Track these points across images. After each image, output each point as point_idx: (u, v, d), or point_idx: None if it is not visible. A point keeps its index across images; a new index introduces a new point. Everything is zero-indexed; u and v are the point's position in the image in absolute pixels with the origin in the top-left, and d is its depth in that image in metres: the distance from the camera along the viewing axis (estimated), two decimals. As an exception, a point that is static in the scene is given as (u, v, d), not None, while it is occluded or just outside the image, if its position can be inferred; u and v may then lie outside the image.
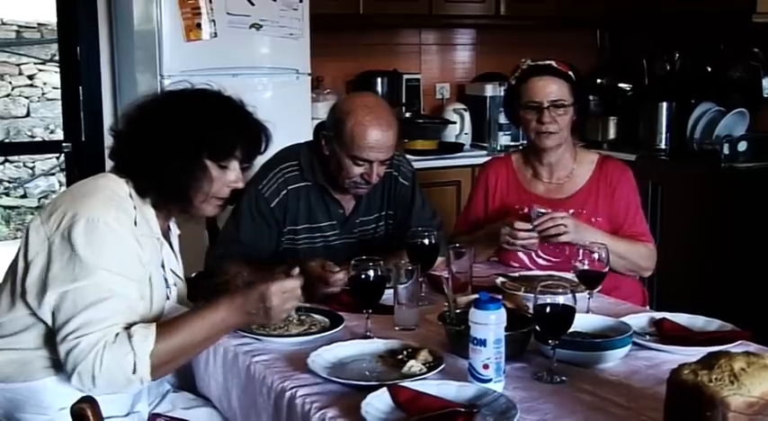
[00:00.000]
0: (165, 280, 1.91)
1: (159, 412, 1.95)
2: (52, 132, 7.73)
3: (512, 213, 2.54)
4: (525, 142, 2.84)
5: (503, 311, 1.62)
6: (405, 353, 1.76)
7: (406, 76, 4.65)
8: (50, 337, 1.74)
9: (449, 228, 2.74)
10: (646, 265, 2.53)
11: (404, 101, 4.61)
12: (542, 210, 2.36)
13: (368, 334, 1.92)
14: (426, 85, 4.81)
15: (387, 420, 1.49)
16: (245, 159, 1.91)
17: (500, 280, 2.28)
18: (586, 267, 2.05)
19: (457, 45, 5.04)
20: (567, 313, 1.66)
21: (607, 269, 2.07)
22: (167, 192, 1.85)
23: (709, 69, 4.47)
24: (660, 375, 1.62)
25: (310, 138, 2.53)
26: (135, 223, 1.80)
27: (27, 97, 7.81)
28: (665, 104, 4.52)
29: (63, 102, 4.17)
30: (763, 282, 3.63)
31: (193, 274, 2.21)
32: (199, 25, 3.57)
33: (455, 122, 4.61)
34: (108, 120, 3.95)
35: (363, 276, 1.93)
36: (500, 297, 1.72)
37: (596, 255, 2.05)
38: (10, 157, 7.61)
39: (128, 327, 1.68)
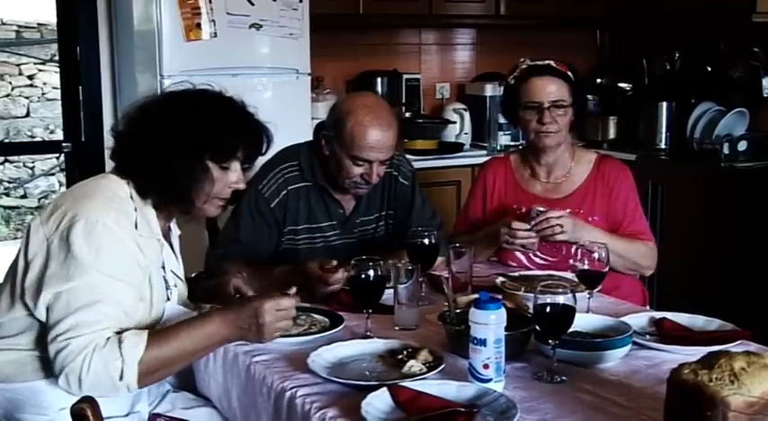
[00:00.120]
0: (166, 281, 1.91)
1: (159, 412, 1.95)
2: (52, 132, 7.73)
3: (510, 213, 2.54)
4: (524, 142, 2.84)
5: (503, 311, 1.62)
6: (405, 353, 1.77)
7: (405, 76, 4.65)
8: None
9: (449, 228, 2.74)
10: (646, 264, 2.53)
11: (404, 101, 4.61)
12: (541, 209, 2.36)
13: (368, 334, 1.92)
14: (426, 85, 4.81)
15: (387, 420, 1.49)
16: (246, 160, 1.91)
17: (500, 280, 2.28)
18: (586, 267, 2.05)
19: (457, 45, 5.04)
20: (567, 313, 1.66)
21: (607, 269, 2.07)
22: (168, 193, 1.85)
23: (709, 69, 4.47)
24: (660, 375, 1.62)
25: (310, 138, 2.53)
26: (135, 225, 1.80)
27: (27, 97, 7.81)
28: (665, 104, 4.52)
29: (63, 102, 4.17)
30: (763, 282, 3.63)
31: (193, 274, 2.21)
32: (199, 25, 3.57)
33: (455, 122, 4.61)
34: (108, 120, 3.95)
35: (363, 276, 1.93)
36: (500, 297, 1.72)
37: (596, 255, 2.05)
38: (10, 157, 7.61)
39: (120, 332, 1.68)
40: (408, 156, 2.73)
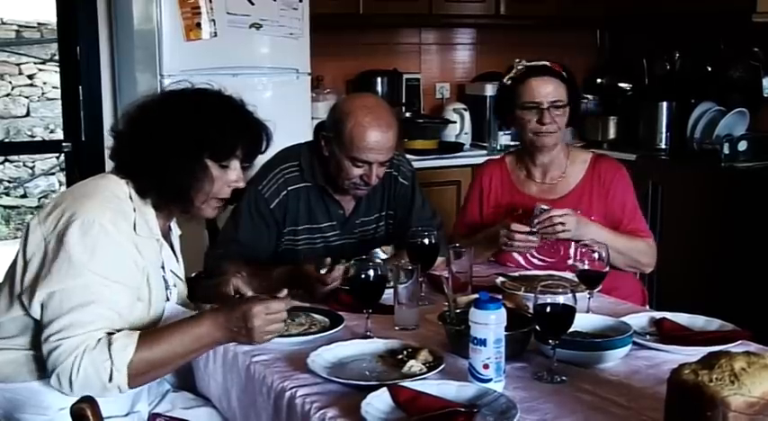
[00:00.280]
0: (165, 281, 1.91)
1: (159, 412, 1.95)
2: (52, 132, 7.73)
3: (508, 215, 2.54)
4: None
5: (503, 311, 1.62)
6: (405, 352, 1.76)
7: (406, 76, 4.65)
8: None
9: (449, 228, 2.74)
10: (646, 261, 2.54)
11: (404, 100, 4.61)
12: (544, 207, 2.36)
13: (368, 334, 1.92)
14: (426, 85, 4.82)
15: (387, 420, 1.48)
16: (245, 159, 1.90)
17: (500, 280, 2.28)
18: (586, 267, 2.05)
19: (457, 45, 5.04)
20: (568, 313, 1.66)
21: (607, 269, 2.07)
22: (168, 193, 1.85)
23: (709, 69, 4.47)
24: (660, 375, 1.62)
25: (310, 137, 2.53)
26: (134, 225, 1.79)
27: (27, 97, 7.81)
28: (665, 104, 4.52)
29: (63, 101, 4.17)
30: (763, 282, 3.63)
31: (193, 274, 2.21)
32: (199, 25, 3.57)
33: (455, 122, 4.61)
34: (108, 119, 3.95)
35: (363, 276, 1.93)
36: (500, 297, 1.72)
37: (596, 255, 2.05)
38: (10, 157, 7.61)
39: (111, 333, 1.67)
40: (408, 156, 2.73)
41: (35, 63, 7.85)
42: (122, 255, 1.75)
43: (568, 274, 2.20)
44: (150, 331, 1.75)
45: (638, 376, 1.72)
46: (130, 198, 1.82)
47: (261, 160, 2.08)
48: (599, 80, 5.06)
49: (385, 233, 2.56)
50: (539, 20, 4.76)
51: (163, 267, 1.90)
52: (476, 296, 1.67)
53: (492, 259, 2.59)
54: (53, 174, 7.80)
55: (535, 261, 2.55)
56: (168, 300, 1.91)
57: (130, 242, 1.77)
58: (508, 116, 2.62)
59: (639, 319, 2.00)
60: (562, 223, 2.33)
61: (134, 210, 1.81)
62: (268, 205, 2.40)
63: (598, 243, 2.08)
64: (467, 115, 4.63)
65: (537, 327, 1.74)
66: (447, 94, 4.94)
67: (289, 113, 3.53)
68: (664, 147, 4.52)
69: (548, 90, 2.50)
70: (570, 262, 2.10)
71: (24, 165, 7.75)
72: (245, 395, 1.83)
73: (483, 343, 1.60)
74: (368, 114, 2.29)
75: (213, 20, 3.58)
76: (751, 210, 3.74)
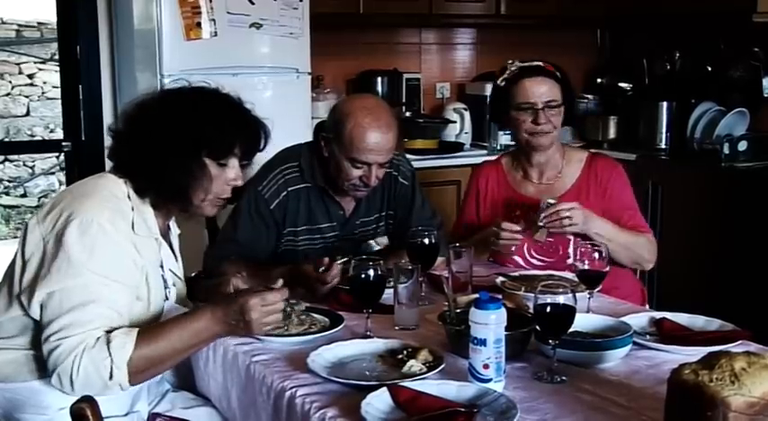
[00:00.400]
0: (164, 280, 1.91)
1: (159, 411, 1.94)
2: (52, 131, 7.73)
3: (506, 216, 2.54)
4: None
5: (503, 311, 1.62)
6: (405, 352, 1.76)
7: (406, 76, 4.65)
8: None
9: (449, 228, 2.74)
10: (649, 257, 2.54)
11: (404, 100, 4.61)
12: (551, 201, 2.36)
13: (368, 333, 1.92)
14: (426, 85, 4.81)
15: (387, 420, 1.48)
16: (244, 156, 1.90)
17: (500, 279, 2.28)
18: (586, 267, 2.05)
19: (457, 44, 5.04)
20: (568, 313, 1.66)
21: (608, 268, 2.07)
22: (166, 192, 1.84)
23: (710, 69, 4.48)
24: (660, 375, 1.62)
25: (310, 137, 2.53)
26: (132, 225, 1.79)
27: (27, 96, 7.81)
28: (665, 104, 4.52)
29: (63, 101, 4.17)
30: (763, 282, 3.63)
31: (192, 274, 2.21)
32: (199, 24, 3.56)
33: (455, 122, 4.61)
34: (108, 119, 3.94)
35: (363, 276, 1.93)
36: (500, 297, 1.71)
37: (596, 255, 2.04)
38: (10, 157, 7.61)
39: (110, 331, 1.68)
40: (408, 156, 2.73)
41: (35, 62, 7.85)
42: (121, 255, 1.75)
43: (568, 274, 2.20)
44: (149, 328, 1.75)
45: (638, 376, 1.72)
46: (129, 197, 1.82)
47: (261, 160, 2.08)
48: (599, 80, 5.06)
49: (385, 233, 2.56)
50: (539, 19, 4.76)
51: (162, 266, 1.90)
52: (476, 296, 1.67)
53: (491, 259, 2.59)
54: (53, 173, 7.80)
55: (534, 261, 2.55)
56: (167, 298, 1.92)
57: (129, 241, 1.77)
58: (503, 117, 2.62)
59: (639, 319, 2.00)
60: (569, 217, 2.33)
61: (132, 210, 1.81)
62: (268, 206, 2.40)
63: (599, 236, 2.06)
64: (467, 115, 4.63)
65: (537, 327, 1.74)
66: (447, 94, 4.94)
67: (289, 113, 3.53)
68: (664, 147, 4.52)
69: (542, 90, 2.51)
70: (570, 261, 2.10)
71: (24, 165, 7.76)
72: (245, 395, 1.83)
73: (483, 343, 1.60)
74: (368, 115, 2.29)
75: (213, 19, 3.58)
76: (751, 210, 3.74)
